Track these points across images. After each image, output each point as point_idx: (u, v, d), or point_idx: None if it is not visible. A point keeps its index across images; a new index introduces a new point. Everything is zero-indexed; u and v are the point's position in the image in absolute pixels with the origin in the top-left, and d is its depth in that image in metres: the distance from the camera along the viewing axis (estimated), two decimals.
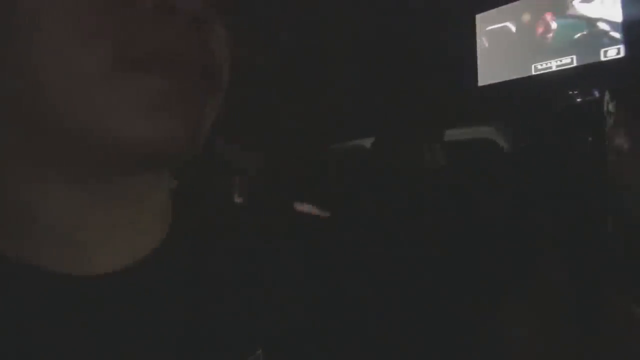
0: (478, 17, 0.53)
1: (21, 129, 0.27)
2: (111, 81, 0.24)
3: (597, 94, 0.43)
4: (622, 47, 0.43)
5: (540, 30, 0.48)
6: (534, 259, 0.54)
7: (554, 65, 0.47)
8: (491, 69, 0.51)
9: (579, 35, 0.46)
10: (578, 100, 0.44)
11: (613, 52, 0.43)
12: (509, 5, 0.51)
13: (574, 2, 0.46)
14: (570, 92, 0.45)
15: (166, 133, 0.26)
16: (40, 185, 0.27)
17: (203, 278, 0.34)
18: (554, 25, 0.47)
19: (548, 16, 0.48)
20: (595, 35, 0.45)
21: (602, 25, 0.44)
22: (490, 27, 0.52)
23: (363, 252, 0.75)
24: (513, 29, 0.50)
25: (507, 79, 0.50)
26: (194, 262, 0.34)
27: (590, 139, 0.46)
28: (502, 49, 0.50)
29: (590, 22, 0.45)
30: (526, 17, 0.49)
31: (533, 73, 0.48)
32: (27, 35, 0.25)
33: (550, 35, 0.47)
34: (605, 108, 0.45)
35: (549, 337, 0.47)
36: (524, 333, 0.49)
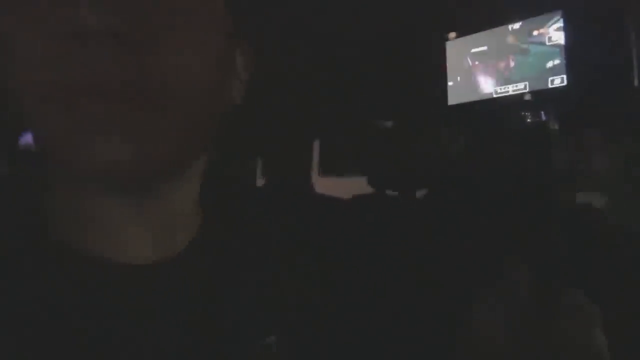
0: (448, 44, 0.60)
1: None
2: (42, 112, 0.27)
3: (544, 116, 0.51)
4: (565, 77, 0.50)
5: (500, 59, 0.55)
6: (495, 259, 0.61)
7: (510, 90, 0.54)
8: (459, 91, 0.58)
9: (531, 65, 0.53)
10: (529, 120, 0.52)
11: (558, 81, 0.50)
12: (475, 35, 0.58)
13: (530, 35, 0.53)
14: (523, 114, 0.52)
15: (107, 158, 0.28)
16: (75, 194, 0.33)
17: (227, 269, 0.39)
18: (512, 55, 0.54)
19: (508, 47, 0.55)
20: (545, 66, 0.52)
21: (551, 57, 0.52)
22: (458, 53, 0.59)
23: (381, 239, 0.81)
24: (479, 56, 0.57)
25: (472, 100, 0.57)
26: (221, 254, 0.39)
27: (539, 152, 0.53)
28: (468, 73, 0.58)
29: (542, 54, 0.52)
30: (489, 47, 0.56)
31: (493, 96, 0.55)
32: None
33: (509, 63, 0.55)
34: (551, 128, 0.53)
35: (513, 331, 0.53)
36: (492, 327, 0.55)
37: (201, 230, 0.39)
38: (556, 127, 0.53)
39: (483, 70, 0.54)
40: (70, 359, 0.28)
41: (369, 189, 1.10)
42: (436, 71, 0.60)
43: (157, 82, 0.28)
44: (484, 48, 0.55)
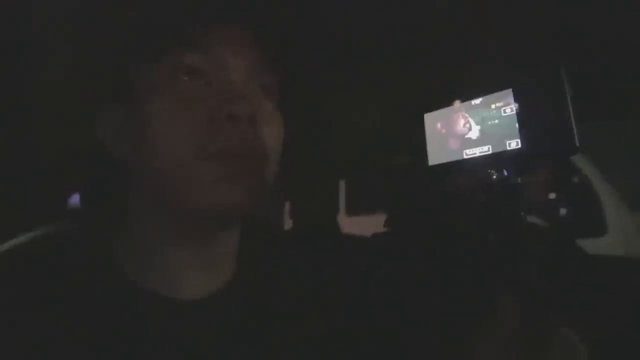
0: (426, 115, 0.72)
1: (151, 200, 0.45)
2: (191, 167, 0.41)
3: (505, 172, 0.62)
4: (519, 140, 0.62)
5: (467, 126, 0.67)
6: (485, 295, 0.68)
7: (477, 151, 0.65)
8: (436, 153, 0.70)
9: (492, 131, 0.65)
10: (494, 177, 0.62)
11: (514, 144, 0.62)
12: (447, 108, 0.70)
13: (489, 107, 0.65)
14: (489, 171, 0.63)
15: (230, 201, 0.42)
16: (160, 240, 0.44)
17: (264, 302, 0.48)
18: (476, 123, 0.67)
19: (472, 117, 0.67)
20: (503, 131, 0.64)
21: (507, 124, 0.64)
22: (435, 122, 0.71)
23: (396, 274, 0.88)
24: (451, 124, 0.69)
25: (447, 160, 0.68)
26: (256, 289, 0.48)
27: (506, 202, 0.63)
28: (443, 139, 0.70)
29: (500, 122, 0.64)
30: (458, 117, 0.69)
31: (464, 157, 0.67)
32: (151, 140, 0.42)
33: (475, 130, 0.67)
34: (512, 182, 0.63)
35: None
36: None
37: (238, 268, 0.50)
38: (517, 180, 0.64)
39: (454, 136, 0.66)
40: None
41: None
42: (418, 139, 0.72)
43: (263, 147, 0.43)
44: (455, 119, 0.67)
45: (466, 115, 0.67)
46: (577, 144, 0.57)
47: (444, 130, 0.69)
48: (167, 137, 0.41)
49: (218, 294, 0.46)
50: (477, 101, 0.67)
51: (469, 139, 0.66)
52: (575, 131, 0.57)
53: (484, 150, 0.65)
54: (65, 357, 0.37)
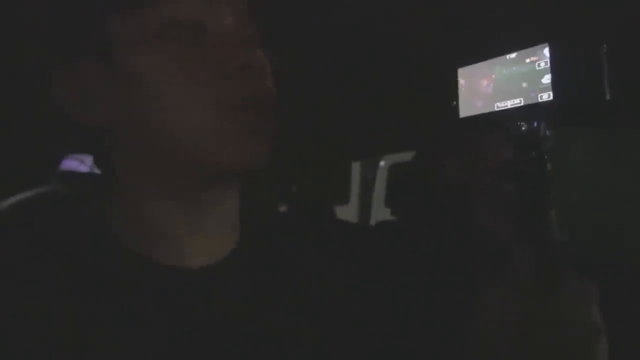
0: (460, 70, 0.75)
1: (149, 163, 0.40)
2: (215, 120, 0.41)
3: (536, 124, 0.64)
4: (551, 93, 0.64)
5: (499, 80, 0.70)
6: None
7: (509, 104, 0.68)
8: (467, 106, 0.72)
9: (525, 84, 0.67)
10: (523, 128, 0.65)
11: (546, 96, 0.64)
12: (481, 63, 0.72)
13: (524, 62, 0.67)
14: (519, 123, 0.66)
15: (253, 153, 0.42)
16: (158, 206, 0.41)
17: (266, 275, 0.48)
18: (509, 76, 0.69)
19: (507, 71, 0.69)
20: (535, 84, 0.66)
21: (541, 78, 0.66)
22: (467, 77, 0.74)
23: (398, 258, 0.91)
24: (483, 78, 0.72)
25: (478, 113, 0.71)
26: (259, 262, 0.48)
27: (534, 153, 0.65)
28: (475, 92, 0.72)
29: (534, 76, 0.66)
30: (490, 72, 0.71)
31: (495, 109, 0.69)
32: (155, 97, 0.37)
33: (508, 84, 0.69)
34: (542, 134, 0.65)
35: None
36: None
37: (240, 240, 0.49)
38: (547, 132, 0.66)
39: (487, 89, 0.68)
40: (140, 344, 0.35)
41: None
42: (449, 94, 0.75)
43: (273, 97, 0.41)
44: (489, 73, 0.69)
45: (490, 73, 0.69)
46: (607, 97, 0.59)
47: (471, 86, 0.72)
48: (182, 91, 0.37)
49: (223, 263, 0.42)
50: (512, 55, 0.68)
51: (502, 92, 0.69)
52: (606, 85, 0.59)
53: (516, 102, 0.67)
54: (68, 330, 0.33)
